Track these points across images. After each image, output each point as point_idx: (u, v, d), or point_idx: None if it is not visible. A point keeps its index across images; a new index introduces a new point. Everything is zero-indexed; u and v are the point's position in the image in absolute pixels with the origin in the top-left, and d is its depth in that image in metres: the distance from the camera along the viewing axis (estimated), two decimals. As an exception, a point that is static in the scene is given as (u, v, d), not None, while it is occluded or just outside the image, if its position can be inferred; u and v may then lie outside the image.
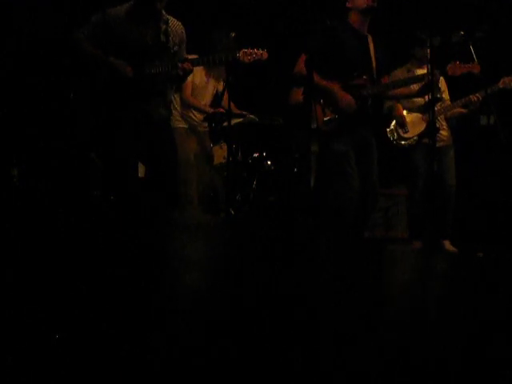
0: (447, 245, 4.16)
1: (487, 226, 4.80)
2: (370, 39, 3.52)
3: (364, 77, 3.42)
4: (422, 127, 4.21)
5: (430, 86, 3.31)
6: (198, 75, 4.40)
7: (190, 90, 4.37)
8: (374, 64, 3.49)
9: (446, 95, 4.42)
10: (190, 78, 4.33)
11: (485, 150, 5.16)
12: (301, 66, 3.42)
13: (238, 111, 4.50)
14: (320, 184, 3.47)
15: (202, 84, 4.45)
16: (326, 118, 3.41)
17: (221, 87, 4.50)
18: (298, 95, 3.67)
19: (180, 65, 3.15)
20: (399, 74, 4.22)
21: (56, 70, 4.56)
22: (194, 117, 4.44)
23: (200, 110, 4.41)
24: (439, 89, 4.22)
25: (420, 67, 4.23)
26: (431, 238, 4.04)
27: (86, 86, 3.34)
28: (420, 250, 4.07)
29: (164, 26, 3.21)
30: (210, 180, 4.54)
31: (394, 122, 4.29)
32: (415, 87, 3.73)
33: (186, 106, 4.39)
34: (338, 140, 3.41)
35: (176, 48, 3.25)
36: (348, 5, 3.47)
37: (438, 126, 4.11)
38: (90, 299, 1.13)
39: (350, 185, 3.36)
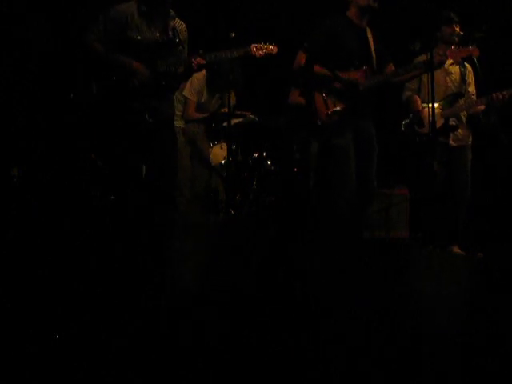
0: (455, 249, 4.09)
1: (487, 226, 4.78)
2: (368, 32, 3.54)
3: (364, 67, 3.43)
4: (438, 123, 3.78)
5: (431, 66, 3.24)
6: (204, 94, 4.45)
7: (194, 108, 4.42)
8: (373, 55, 3.51)
9: (471, 88, 4.13)
10: (195, 98, 4.39)
11: (484, 150, 5.14)
12: (299, 60, 3.45)
13: (238, 111, 4.51)
14: (319, 182, 3.46)
15: (207, 101, 4.51)
16: (329, 112, 3.42)
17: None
18: (296, 96, 3.67)
19: (193, 60, 3.13)
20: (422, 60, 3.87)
21: (56, 69, 4.56)
22: None
23: (202, 119, 4.46)
24: (465, 81, 4.06)
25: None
26: (439, 241, 3.91)
27: (91, 87, 3.31)
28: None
29: (172, 23, 3.20)
30: (208, 180, 4.54)
31: (410, 116, 4.03)
32: (422, 70, 3.50)
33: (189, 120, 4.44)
34: (339, 134, 3.41)
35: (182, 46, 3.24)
36: None
37: (454, 123, 3.92)
38: (89, 299, 1.13)
39: (347, 185, 3.37)
